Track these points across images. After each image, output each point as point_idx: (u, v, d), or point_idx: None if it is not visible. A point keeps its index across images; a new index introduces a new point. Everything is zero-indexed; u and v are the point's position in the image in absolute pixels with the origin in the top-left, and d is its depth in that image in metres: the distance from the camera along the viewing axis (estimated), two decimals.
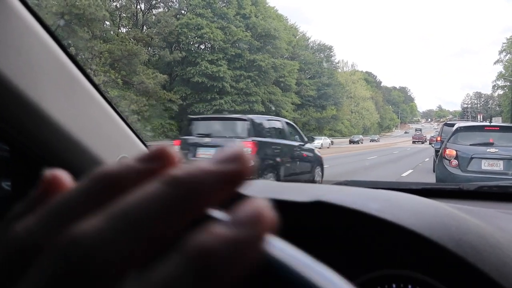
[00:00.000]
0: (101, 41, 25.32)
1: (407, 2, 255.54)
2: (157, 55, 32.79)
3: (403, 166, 13.90)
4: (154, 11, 33.99)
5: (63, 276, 0.15)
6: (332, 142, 34.84)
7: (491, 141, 6.15)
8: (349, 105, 62.43)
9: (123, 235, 0.16)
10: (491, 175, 5.82)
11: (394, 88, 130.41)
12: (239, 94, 33.45)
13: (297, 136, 7.43)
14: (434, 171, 8.25)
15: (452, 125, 8.55)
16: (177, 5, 35.06)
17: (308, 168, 7.26)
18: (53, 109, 0.61)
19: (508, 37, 48.14)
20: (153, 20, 32.65)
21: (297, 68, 41.22)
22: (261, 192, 0.69)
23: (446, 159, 6.21)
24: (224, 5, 35.48)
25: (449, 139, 6.46)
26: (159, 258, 0.15)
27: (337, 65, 60.34)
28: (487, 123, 8.23)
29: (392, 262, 0.60)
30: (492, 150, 6.03)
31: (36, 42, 0.58)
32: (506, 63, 46.17)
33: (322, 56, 52.28)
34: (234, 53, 33.79)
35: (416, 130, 78.84)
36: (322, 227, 0.65)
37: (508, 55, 46.63)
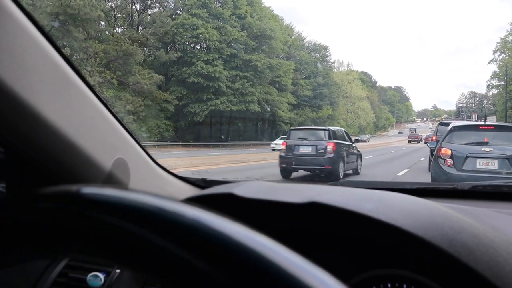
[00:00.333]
0: (96, 41, 25.23)
1: (402, 1, 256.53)
2: (152, 55, 32.70)
3: (399, 166, 13.94)
4: (149, 11, 33.95)
5: None
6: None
7: (485, 140, 6.18)
8: (344, 105, 62.50)
9: None
10: (486, 174, 5.85)
11: (390, 87, 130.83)
12: (235, 94, 33.38)
13: (347, 138, 10.85)
14: (429, 170, 8.28)
15: (447, 124, 8.58)
16: (173, 5, 35.00)
17: (355, 159, 10.76)
18: (47, 111, 0.60)
19: (502, 37, 48.49)
20: (148, 20, 32.56)
21: (292, 68, 41.22)
22: (256, 193, 0.69)
23: (442, 158, 6.24)
24: (219, 5, 35.42)
25: (444, 138, 6.49)
26: None
27: (333, 65, 60.39)
28: (482, 123, 8.28)
29: (386, 262, 0.60)
30: (487, 149, 6.06)
31: (30, 44, 0.58)
32: (500, 63, 46.35)
33: (318, 56, 52.30)
34: (229, 53, 33.74)
35: (410, 129, 78.59)
36: (316, 228, 0.65)
37: (502, 54, 46.88)
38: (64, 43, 20.97)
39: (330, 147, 9.18)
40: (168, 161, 11.34)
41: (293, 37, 48.75)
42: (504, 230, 0.63)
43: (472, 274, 0.48)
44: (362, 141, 46.54)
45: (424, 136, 41.99)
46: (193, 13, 32.89)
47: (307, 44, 52.88)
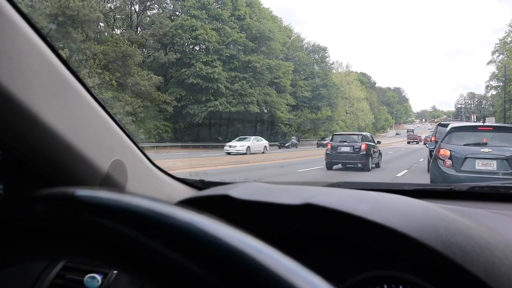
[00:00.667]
0: (95, 42, 25.21)
1: (401, 3, 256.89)
2: (151, 57, 32.67)
3: (398, 167, 13.94)
4: (148, 13, 33.91)
5: None
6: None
7: (484, 141, 6.19)
8: (343, 106, 62.52)
9: None
10: (485, 175, 5.86)
11: (389, 88, 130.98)
12: (234, 96, 33.38)
13: (372, 140, 13.88)
14: (428, 171, 8.29)
15: (446, 125, 8.59)
16: (172, 6, 34.99)
17: (378, 155, 13.81)
18: (45, 113, 0.61)
19: (501, 38, 48.53)
20: (147, 21, 32.54)
21: (291, 69, 41.23)
22: (252, 194, 0.69)
23: (441, 159, 6.25)
24: (218, 6, 35.43)
25: (443, 139, 6.49)
26: None
27: (332, 66, 60.27)
28: (481, 123, 8.30)
29: (382, 264, 0.61)
30: (486, 150, 6.07)
31: (27, 46, 0.58)
32: (499, 64, 46.40)
33: (317, 57, 52.32)
34: (228, 54, 33.74)
35: (408, 131, 78.08)
36: (311, 229, 0.65)
37: (501, 55, 46.94)
38: (63, 45, 20.95)
39: (363, 147, 12.37)
40: (167, 162, 11.34)
41: (292, 38, 48.79)
42: (500, 231, 0.63)
43: (467, 276, 0.48)
44: (323, 146, 43.68)
45: (423, 137, 42.00)
46: (192, 14, 32.89)
47: (306, 45, 52.94)
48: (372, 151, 12.79)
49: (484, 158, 6.06)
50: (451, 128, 6.67)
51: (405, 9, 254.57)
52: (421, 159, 16.85)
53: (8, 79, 0.54)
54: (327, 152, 12.82)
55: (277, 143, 33.98)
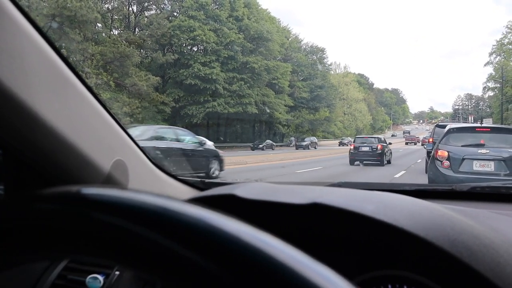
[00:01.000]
0: (93, 43, 25.18)
1: (398, 4, 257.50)
2: (149, 57, 32.66)
3: (396, 168, 13.97)
4: (146, 13, 33.88)
5: None
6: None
7: (482, 142, 6.21)
8: (341, 107, 62.67)
9: None
10: (483, 176, 5.87)
11: (387, 89, 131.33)
12: (232, 96, 33.40)
13: (385, 142, 17.17)
14: (426, 172, 8.30)
15: (444, 126, 8.61)
16: (170, 7, 34.99)
17: (389, 154, 17.09)
18: (46, 112, 0.60)
19: (498, 39, 48.74)
20: (145, 22, 32.52)
21: (290, 70, 41.30)
22: (258, 194, 0.69)
23: (438, 160, 6.26)
24: (216, 7, 35.47)
25: (441, 140, 6.51)
26: None
27: (330, 67, 60.45)
28: (478, 125, 8.32)
29: (387, 263, 0.60)
30: (483, 151, 6.08)
31: (28, 44, 0.58)
32: (496, 65, 46.57)
33: (315, 58, 52.41)
34: (227, 55, 33.75)
35: (404, 132, 77.58)
36: (317, 228, 0.65)
37: (498, 57, 47.10)
38: (61, 45, 20.91)
39: (379, 147, 15.63)
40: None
41: (290, 39, 48.86)
42: (503, 231, 0.64)
43: (474, 275, 0.48)
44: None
45: (421, 138, 42.07)
46: (190, 15, 32.91)
47: (304, 46, 53.06)
48: (385, 150, 16.05)
49: (482, 159, 6.08)
50: (449, 129, 6.68)
51: (403, 10, 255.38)
52: (419, 160, 16.88)
53: (9, 77, 0.54)
54: (351, 151, 16.24)
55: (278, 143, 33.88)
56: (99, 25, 27.61)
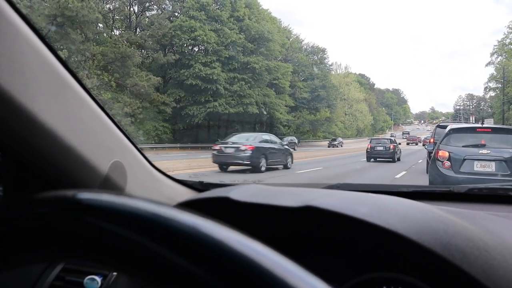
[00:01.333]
0: (94, 43, 25.19)
1: (399, 4, 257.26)
2: (150, 58, 32.65)
3: (397, 168, 13.96)
4: (147, 14, 33.89)
5: None
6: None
7: (483, 142, 6.20)
8: (342, 107, 62.61)
9: None
10: (484, 177, 5.86)
11: (388, 90, 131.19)
12: (233, 97, 33.37)
13: (396, 142, 19.85)
14: (427, 172, 8.29)
15: (445, 126, 8.60)
16: (171, 7, 34.98)
17: (399, 152, 19.67)
18: (44, 114, 0.61)
19: (499, 40, 48.63)
20: (146, 22, 32.53)
21: (290, 71, 41.22)
22: (252, 197, 0.69)
23: (439, 160, 6.25)
24: (217, 7, 35.44)
25: (442, 140, 6.50)
26: None
27: (331, 67, 60.21)
28: (479, 125, 8.29)
29: (381, 265, 0.61)
30: (484, 151, 6.08)
31: (27, 47, 0.58)
32: (498, 65, 46.45)
33: (316, 58, 52.33)
34: (227, 56, 33.72)
35: (403, 133, 76.31)
36: (311, 231, 0.66)
37: (499, 57, 47.00)
38: (62, 46, 20.93)
39: (391, 146, 18.36)
40: (166, 164, 11.32)
41: (291, 40, 48.81)
42: (499, 233, 0.64)
43: (466, 278, 0.49)
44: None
45: (422, 138, 41.97)
46: (191, 15, 32.89)
47: (305, 46, 52.98)
48: (396, 149, 18.82)
49: (483, 160, 6.07)
50: (449, 130, 6.68)
51: (404, 11, 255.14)
52: (420, 161, 16.86)
53: (7, 80, 0.54)
54: (368, 150, 18.91)
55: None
56: (100, 25, 27.64)
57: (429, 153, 8.89)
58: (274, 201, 0.67)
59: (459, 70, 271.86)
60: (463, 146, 6.23)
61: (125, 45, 26.49)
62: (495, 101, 52.04)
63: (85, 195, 0.33)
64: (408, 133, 74.05)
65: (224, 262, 0.28)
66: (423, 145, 24.70)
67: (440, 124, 13.54)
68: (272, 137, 15.17)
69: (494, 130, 6.66)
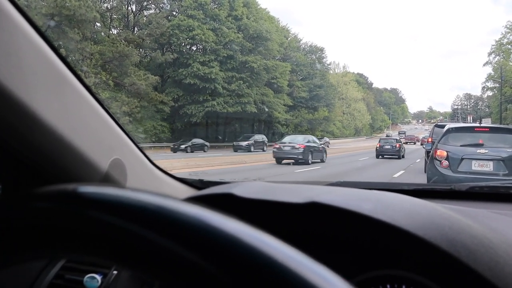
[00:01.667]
0: (92, 42, 25.13)
1: (397, 3, 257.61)
2: (148, 57, 32.61)
3: (395, 167, 13.99)
4: (145, 13, 33.80)
5: None
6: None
7: (481, 142, 6.21)
8: (340, 106, 62.65)
9: None
10: (481, 176, 5.88)
11: (386, 89, 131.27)
12: (231, 96, 33.36)
13: (401, 141, 22.53)
14: (425, 171, 8.31)
15: (443, 126, 8.61)
16: (168, 6, 34.93)
17: (404, 150, 21.68)
18: (44, 111, 0.60)
19: (497, 39, 48.78)
20: (144, 21, 32.44)
21: (289, 70, 41.26)
22: (256, 193, 0.69)
23: (437, 160, 6.26)
24: (215, 6, 35.40)
25: (440, 140, 6.51)
26: None
27: (329, 66, 60.32)
28: (477, 124, 8.31)
29: (386, 263, 0.60)
30: (482, 151, 6.09)
31: (26, 43, 0.58)
32: (495, 65, 46.59)
33: (314, 57, 52.35)
34: (226, 55, 33.70)
35: (399, 133, 75.47)
36: (316, 228, 0.65)
37: (497, 57, 47.13)
38: (60, 44, 20.86)
39: (397, 145, 20.47)
40: (165, 163, 11.32)
41: (289, 39, 48.81)
42: (502, 231, 0.63)
43: (473, 275, 0.48)
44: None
45: (421, 137, 42.03)
46: (189, 14, 32.85)
47: (303, 45, 53.00)
48: (401, 147, 20.85)
49: (481, 159, 6.08)
50: (447, 129, 6.69)
51: (402, 10, 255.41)
52: (418, 160, 16.89)
53: (6, 76, 0.53)
54: (377, 148, 20.89)
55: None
56: (98, 24, 27.52)
57: (427, 152, 8.91)
58: (278, 197, 0.66)
59: (457, 69, 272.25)
60: (461, 146, 6.25)
61: (123, 44, 26.46)
62: (492, 101, 52.22)
63: (86, 189, 0.32)
64: (405, 133, 73.08)
65: (237, 256, 0.27)
66: (421, 144, 24.90)
67: (438, 123, 13.57)
68: (314, 138, 19.32)
69: (492, 130, 6.67)
